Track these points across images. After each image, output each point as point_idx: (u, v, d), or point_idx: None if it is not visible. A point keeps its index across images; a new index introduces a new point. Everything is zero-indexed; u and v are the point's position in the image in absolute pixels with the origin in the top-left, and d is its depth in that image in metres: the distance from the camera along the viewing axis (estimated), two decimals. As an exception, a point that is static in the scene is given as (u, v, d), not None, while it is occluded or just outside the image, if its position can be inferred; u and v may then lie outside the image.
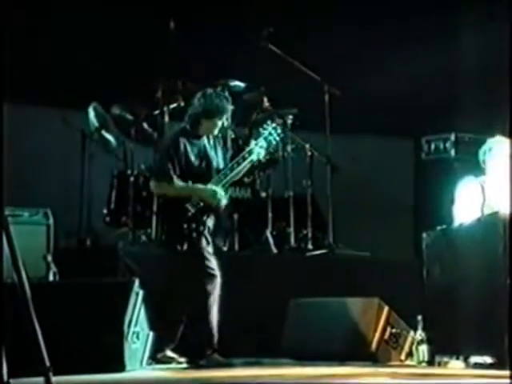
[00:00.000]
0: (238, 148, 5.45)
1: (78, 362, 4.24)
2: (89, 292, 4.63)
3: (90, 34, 6.90)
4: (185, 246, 4.84)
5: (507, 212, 5.06)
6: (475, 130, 6.50)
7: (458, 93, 7.19)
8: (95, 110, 6.50)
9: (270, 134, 5.06)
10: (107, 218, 6.46)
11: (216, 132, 5.03)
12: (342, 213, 6.45)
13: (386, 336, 5.31)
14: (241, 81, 6.51)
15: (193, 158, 4.94)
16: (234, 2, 7.00)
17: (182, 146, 4.94)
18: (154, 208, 5.80)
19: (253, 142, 5.03)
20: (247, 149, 5.01)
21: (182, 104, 6.32)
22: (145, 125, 6.44)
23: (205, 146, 5.00)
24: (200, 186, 4.87)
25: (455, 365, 4.99)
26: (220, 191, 4.87)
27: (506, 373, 4.50)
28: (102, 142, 6.53)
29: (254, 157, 5.00)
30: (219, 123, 4.97)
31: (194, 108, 5.03)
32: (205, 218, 4.89)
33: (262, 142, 5.02)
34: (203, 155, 4.97)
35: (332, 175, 6.30)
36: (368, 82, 7.12)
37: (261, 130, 5.19)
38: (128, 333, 4.56)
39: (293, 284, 5.69)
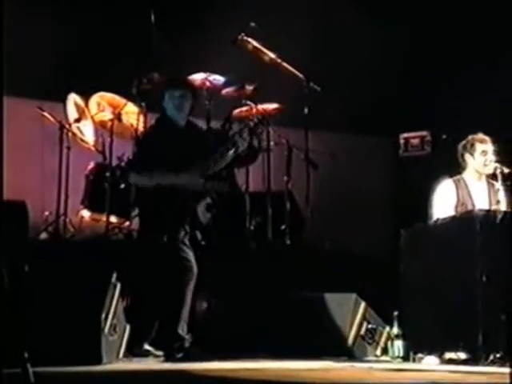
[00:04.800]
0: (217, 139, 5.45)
1: (54, 353, 4.22)
2: (65, 284, 4.60)
3: (68, 24, 6.86)
4: (163, 238, 4.83)
5: (483, 209, 5.13)
6: (452, 129, 6.57)
7: (434, 91, 7.26)
8: (73, 100, 6.46)
9: (256, 125, 5.05)
10: (84, 211, 6.43)
11: (186, 110, 5.01)
12: (320, 209, 6.47)
13: (362, 331, 5.35)
14: (221, 75, 6.52)
15: (174, 147, 4.94)
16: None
17: (162, 136, 4.95)
18: (131, 201, 5.79)
19: (237, 134, 5.01)
20: (231, 140, 5.01)
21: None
22: (123, 117, 6.42)
23: (187, 135, 5.00)
24: (177, 175, 4.86)
25: (430, 360, 5.04)
26: (198, 179, 4.87)
27: (480, 369, 4.57)
28: (79, 133, 6.49)
29: (237, 149, 4.99)
30: (177, 94, 4.96)
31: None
32: (183, 208, 4.90)
33: (246, 133, 5.01)
34: (185, 144, 4.96)
35: (310, 171, 6.32)
36: (348, 79, 7.17)
37: (246, 121, 5.18)
38: (105, 325, 4.54)
39: (270, 278, 5.70)
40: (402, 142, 6.97)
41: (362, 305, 5.37)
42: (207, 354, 4.81)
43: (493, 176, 5.51)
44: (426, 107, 7.16)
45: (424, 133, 6.87)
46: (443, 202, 5.47)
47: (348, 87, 7.16)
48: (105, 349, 4.49)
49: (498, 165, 5.44)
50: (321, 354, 5.05)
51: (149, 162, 4.88)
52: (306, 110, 6.13)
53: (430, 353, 5.05)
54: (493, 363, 4.72)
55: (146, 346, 4.96)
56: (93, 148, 6.59)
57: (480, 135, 5.53)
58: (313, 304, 5.36)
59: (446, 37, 7.33)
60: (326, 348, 5.15)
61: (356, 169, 7.52)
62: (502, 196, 5.50)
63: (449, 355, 4.97)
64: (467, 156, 5.53)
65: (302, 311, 5.34)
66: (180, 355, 4.78)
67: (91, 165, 6.47)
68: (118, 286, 4.70)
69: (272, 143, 6.45)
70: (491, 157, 5.46)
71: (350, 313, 5.33)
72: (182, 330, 4.82)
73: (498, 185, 5.48)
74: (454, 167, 5.62)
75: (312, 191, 6.27)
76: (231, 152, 4.95)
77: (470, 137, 5.55)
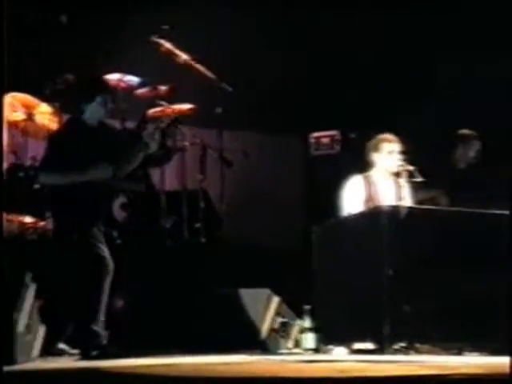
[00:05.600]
0: (131, 140, 5.50)
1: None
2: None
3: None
4: (77, 236, 4.86)
5: (389, 205, 5.35)
6: (361, 127, 6.77)
7: (345, 90, 7.45)
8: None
9: (168, 126, 5.14)
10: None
11: (94, 113, 5.05)
12: (234, 206, 6.58)
13: (276, 325, 5.50)
14: (135, 75, 6.55)
15: (85, 147, 4.97)
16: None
17: (72, 136, 4.98)
18: (46, 201, 5.77)
19: (148, 135, 5.07)
20: (142, 141, 5.06)
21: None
22: (37, 117, 6.38)
23: (98, 136, 5.04)
24: (87, 172, 4.90)
25: (339, 351, 5.22)
26: (108, 173, 4.93)
27: (386, 357, 4.78)
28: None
29: (148, 149, 5.05)
30: (99, 100, 5.02)
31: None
32: (97, 206, 4.94)
33: (157, 135, 5.07)
34: (96, 145, 5.00)
35: (225, 170, 6.42)
36: (260, 79, 7.29)
37: (157, 122, 5.24)
38: (19, 325, 4.53)
39: (186, 275, 5.78)
40: (312, 140, 7.15)
41: (275, 299, 5.52)
42: (123, 351, 4.84)
43: (398, 173, 5.74)
44: (336, 106, 7.34)
45: (334, 132, 7.06)
46: (353, 197, 5.66)
47: (261, 87, 7.29)
48: (19, 349, 4.47)
49: (402, 163, 5.68)
50: (235, 348, 5.15)
51: (58, 161, 4.91)
52: (218, 110, 6.23)
53: (339, 344, 5.23)
54: (397, 352, 4.94)
55: (61, 345, 4.96)
56: (5, 148, 6.51)
57: (387, 135, 5.74)
58: (227, 299, 5.47)
59: (355, 35, 7.50)
60: (240, 342, 5.26)
61: (269, 166, 7.65)
62: (406, 192, 5.74)
63: (357, 346, 5.16)
64: (375, 155, 5.74)
65: (216, 307, 5.44)
66: (95, 353, 4.79)
67: (4, 165, 6.39)
68: (33, 286, 4.69)
69: (186, 143, 6.53)
70: (397, 156, 5.69)
71: (264, 307, 5.48)
72: (98, 327, 4.84)
73: (403, 182, 5.73)
74: (363, 165, 5.82)
75: (226, 189, 6.38)
76: (142, 153, 5.02)
77: (378, 136, 5.76)
